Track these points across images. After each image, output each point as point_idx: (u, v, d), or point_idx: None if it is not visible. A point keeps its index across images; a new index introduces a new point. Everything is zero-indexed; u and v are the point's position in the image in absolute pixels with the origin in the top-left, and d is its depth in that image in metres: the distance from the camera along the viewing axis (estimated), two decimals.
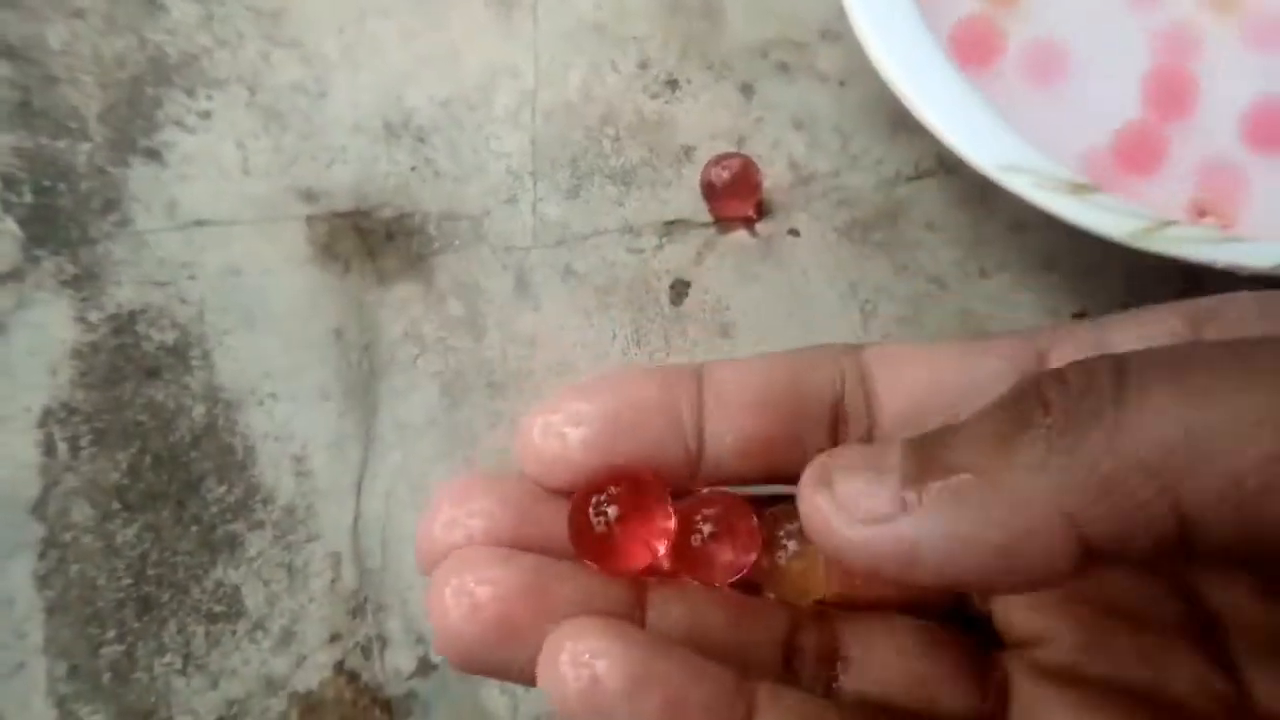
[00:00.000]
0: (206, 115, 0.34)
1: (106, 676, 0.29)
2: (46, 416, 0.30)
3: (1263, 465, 0.12)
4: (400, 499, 0.31)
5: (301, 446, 0.31)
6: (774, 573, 0.18)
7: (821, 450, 0.17)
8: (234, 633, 0.29)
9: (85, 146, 0.33)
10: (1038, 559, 0.13)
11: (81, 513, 0.30)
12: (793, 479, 0.17)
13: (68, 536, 0.29)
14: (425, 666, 0.29)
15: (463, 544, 0.17)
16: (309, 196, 0.34)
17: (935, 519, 0.14)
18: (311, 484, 0.31)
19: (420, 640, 0.30)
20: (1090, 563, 0.13)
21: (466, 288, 0.33)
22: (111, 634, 0.29)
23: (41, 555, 0.29)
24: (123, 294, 0.32)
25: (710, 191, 0.33)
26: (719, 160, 0.33)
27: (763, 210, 0.34)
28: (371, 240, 0.33)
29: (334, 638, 0.30)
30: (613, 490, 0.17)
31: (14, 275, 0.31)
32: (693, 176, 0.34)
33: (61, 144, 0.33)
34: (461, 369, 0.32)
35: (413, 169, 0.34)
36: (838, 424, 0.18)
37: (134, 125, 0.33)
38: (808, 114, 0.35)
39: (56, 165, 0.32)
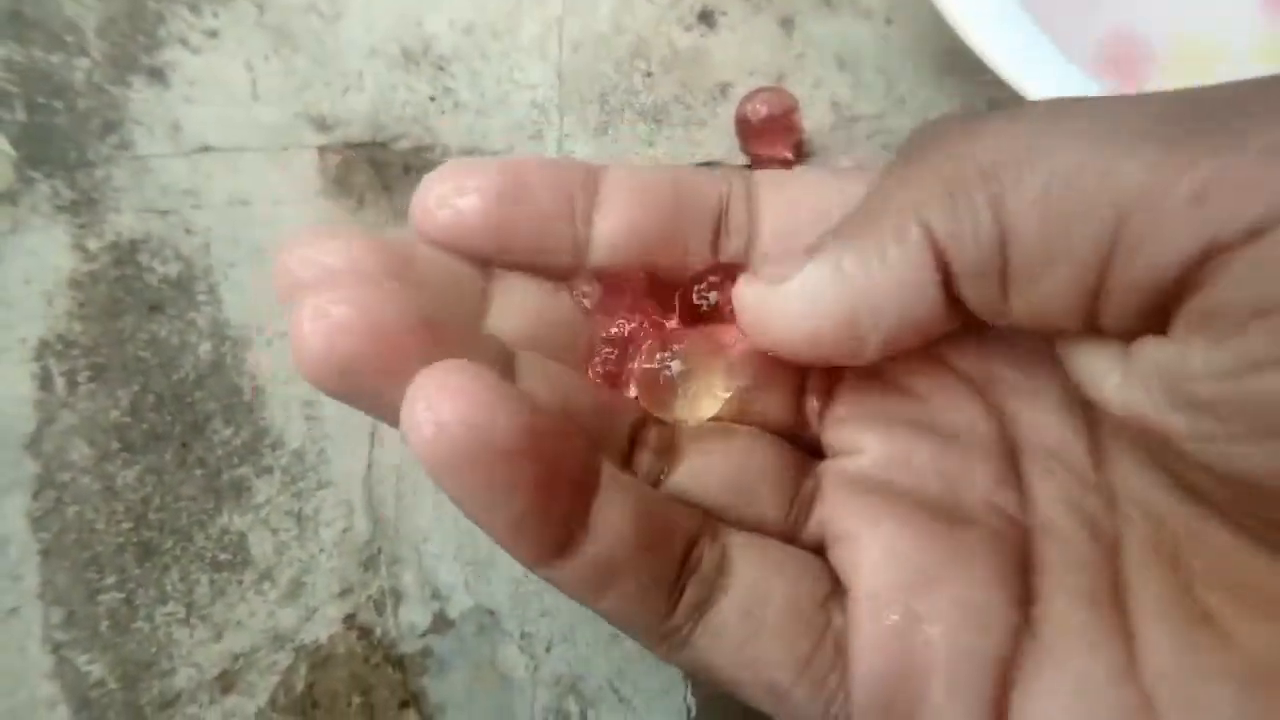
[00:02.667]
0: (213, 34, 0.32)
1: (105, 624, 0.27)
2: (43, 349, 0.28)
3: (1072, 172, 0.14)
4: None
5: (312, 389, 0.29)
6: (663, 390, 0.19)
7: (701, 253, 0.20)
8: (240, 582, 0.28)
9: (83, 63, 0.30)
10: (898, 266, 0.16)
11: (79, 452, 0.28)
12: (670, 273, 0.20)
13: (65, 476, 0.28)
14: (441, 623, 0.28)
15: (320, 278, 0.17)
16: (321, 125, 0.31)
17: (826, 258, 0.17)
18: (322, 429, 0.29)
19: (436, 595, 0.28)
20: (939, 293, 0.16)
21: None
22: (110, 580, 0.27)
23: (36, 495, 0.28)
24: (123, 222, 0.30)
25: (746, 129, 0.31)
26: (756, 94, 0.31)
27: (802, 153, 0.32)
28: (387, 174, 0.31)
29: (345, 590, 0.28)
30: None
31: (7, 197, 0.29)
32: (728, 115, 0.32)
33: (57, 59, 0.30)
34: None
35: (432, 99, 0.32)
36: (719, 232, 0.20)
37: (135, 42, 0.31)
38: (851, 52, 0.33)
39: (52, 81, 0.30)
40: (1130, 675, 0.16)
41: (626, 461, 0.19)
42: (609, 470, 0.17)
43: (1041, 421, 0.19)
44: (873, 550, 0.18)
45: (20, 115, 0.30)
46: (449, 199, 0.18)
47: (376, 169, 0.31)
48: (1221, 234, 0.13)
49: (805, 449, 0.21)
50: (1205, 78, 0.30)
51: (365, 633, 0.28)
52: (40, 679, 0.27)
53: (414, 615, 0.28)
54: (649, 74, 0.33)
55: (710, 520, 0.19)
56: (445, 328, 0.16)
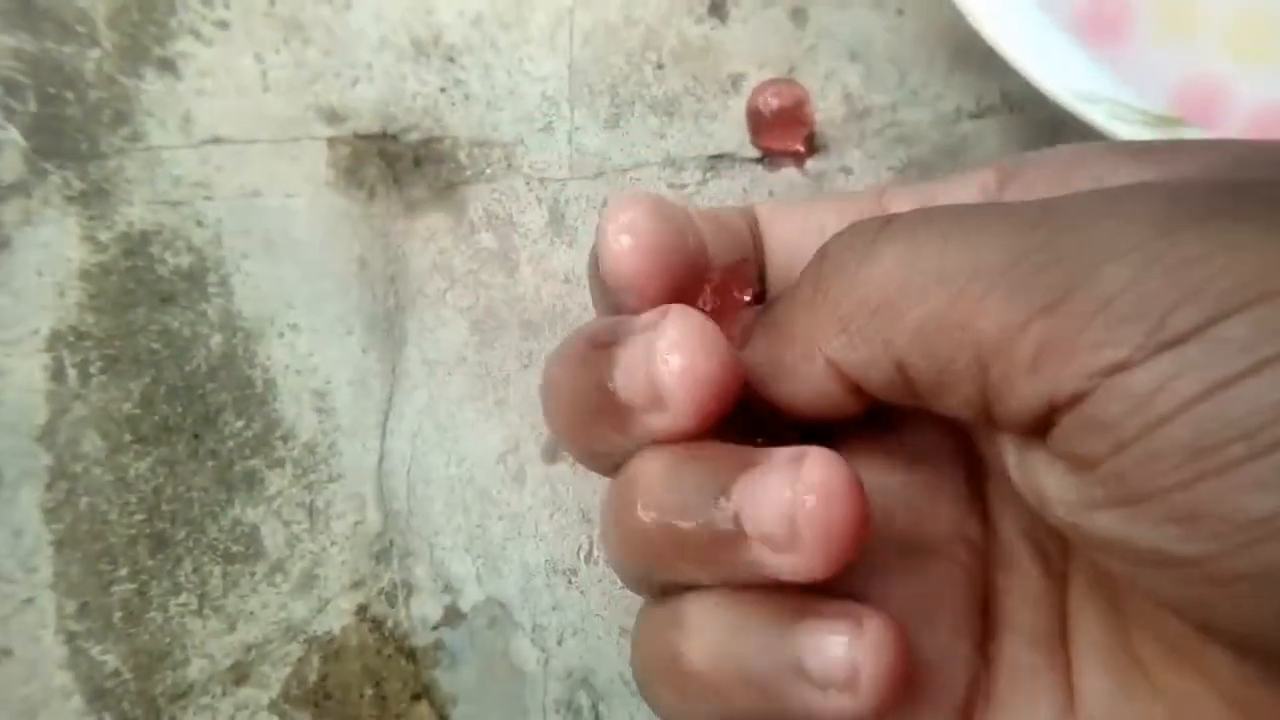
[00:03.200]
0: (223, 25, 0.32)
1: (118, 615, 0.27)
2: (55, 340, 0.28)
3: (939, 319, 0.15)
4: (427, 440, 0.29)
5: (324, 381, 0.29)
6: None
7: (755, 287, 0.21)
8: (252, 574, 0.28)
9: (94, 53, 0.30)
10: (812, 380, 0.17)
11: (92, 443, 0.28)
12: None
13: (78, 468, 0.28)
14: (453, 615, 0.28)
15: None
16: (332, 117, 0.31)
17: (751, 352, 0.18)
18: (334, 421, 0.29)
19: (448, 588, 0.28)
20: (855, 395, 0.17)
21: (498, 220, 0.31)
22: (123, 571, 0.28)
23: (49, 486, 0.28)
24: (134, 213, 0.30)
25: (757, 121, 0.31)
26: (768, 86, 0.31)
27: (813, 145, 0.32)
28: (398, 166, 0.31)
29: (357, 583, 0.28)
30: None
31: (19, 188, 0.29)
32: (739, 108, 0.32)
33: (68, 49, 0.30)
34: (493, 305, 0.30)
35: (442, 90, 0.32)
36: (763, 265, 0.22)
37: (146, 33, 0.31)
38: (863, 43, 0.33)
39: (63, 72, 0.30)
40: (1069, 716, 0.17)
41: None
42: None
43: (998, 448, 0.20)
44: None
45: (32, 106, 0.30)
46: (619, 235, 0.19)
47: (387, 161, 0.31)
48: (1055, 396, 0.14)
49: None
50: (1185, 43, 0.30)
51: (377, 625, 0.28)
52: (55, 668, 0.27)
53: (426, 608, 0.28)
54: (660, 66, 0.33)
55: None
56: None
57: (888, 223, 0.16)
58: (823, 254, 0.18)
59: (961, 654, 0.18)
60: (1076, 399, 0.13)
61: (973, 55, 0.32)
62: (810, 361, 0.17)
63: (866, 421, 0.20)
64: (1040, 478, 0.15)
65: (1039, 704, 0.17)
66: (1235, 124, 0.30)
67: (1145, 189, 0.15)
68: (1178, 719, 0.16)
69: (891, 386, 0.16)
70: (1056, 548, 0.19)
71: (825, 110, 0.32)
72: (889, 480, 0.19)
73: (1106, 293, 0.13)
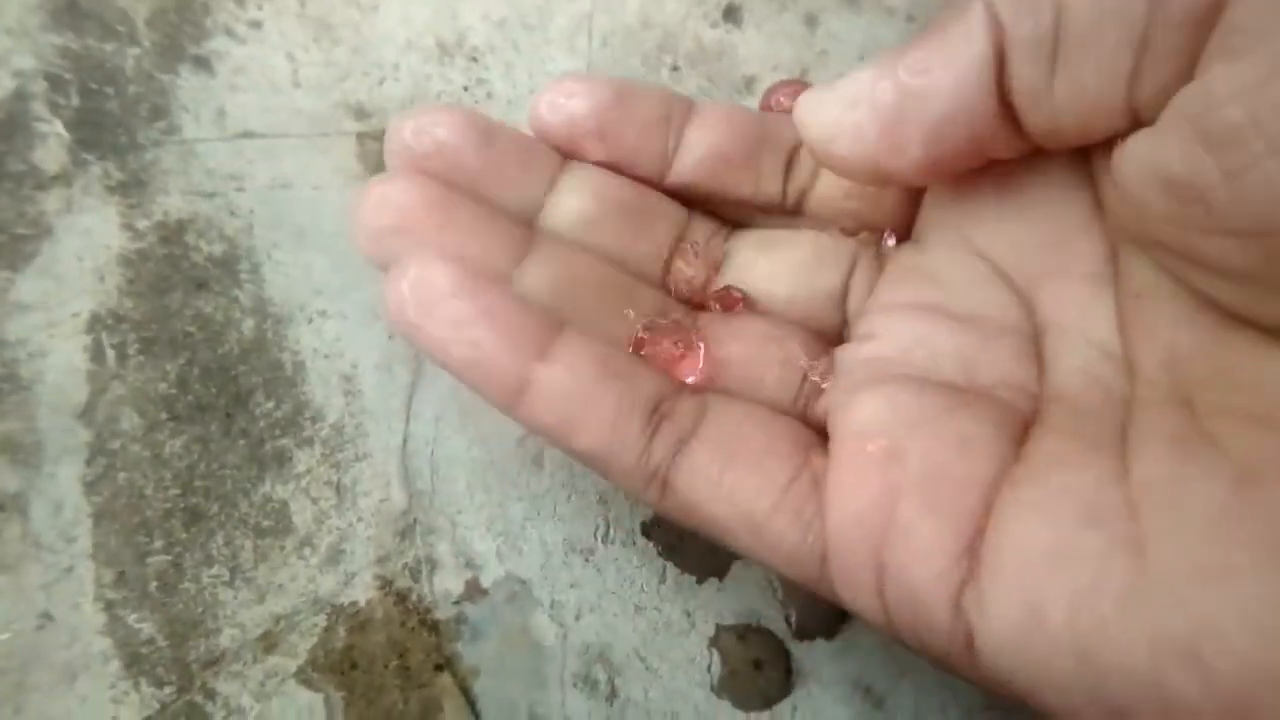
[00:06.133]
0: (257, 25, 0.33)
1: (154, 585, 0.28)
2: (94, 323, 0.30)
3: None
4: (450, 423, 0.30)
5: (351, 365, 0.30)
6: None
7: (774, 181, 0.24)
8: (282, 548, 0.29)
9: (134, 51, 0.32)
10: (957, 44, 0.18)
11: (129, 421, 0.29)
12: (742, 203, 0.25)
13: (116, 444, 0.29)
14: (474, 590, 0.29)
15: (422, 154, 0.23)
16: (360, 113, 0.33)
17: (877, 59, 0.20)
18: (360, 403, 0.30)
19: (470, 564, 0.29)
20: (997, 90, 0.18)
21: None
22: (159, 543, 0.29)
23: (89, 461, 0.29)
24: (170, 203, 0.31)
25: None
26: (779, 87, 0.32)
27: None
28: None
29: (382, 558, 0.29)
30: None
31: (62, 178, 0.30)
32: (752, 108, 0.33)
33: (109, 47, 0.32)
34: None
35: (465, 89, 0.33)
36: (792, 163, 0.24)
37: (183, 32, 0.32)
38: (874, 49, 0.34)
39: (104, 69, 0.31)
40: (1118, 483, 0.16)
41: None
42: (573, 332, 0.20)
43: (1067, 297, 0.20)
44: (871, 402, 0.19)
45: (74, 101, 0.31)
46: (559, 103, 0.23)
47: None
48: None
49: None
50: None
51: (401, 598, 0.29)
52: (94, 634, 0.28)
53: (448, 583, 0.29)
54: (676, 68, 0.34)
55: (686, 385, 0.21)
56: (460, 211, 0.22)
57: None
58: None
59: (986, 437, 0.18)
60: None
61: None
62: (965, 12, 0.18)
63: (930, 288, 0.21)
64: (1200, 100, 0.15)
65: (1084, 476, 0.17)
66: None
67: None
68: (1242, 470, 0.15)
69: (1038, 42, 0.17)
70: (1122, 380, 0.19)
71: None
72: (940, 332, 0.20)
73: None
